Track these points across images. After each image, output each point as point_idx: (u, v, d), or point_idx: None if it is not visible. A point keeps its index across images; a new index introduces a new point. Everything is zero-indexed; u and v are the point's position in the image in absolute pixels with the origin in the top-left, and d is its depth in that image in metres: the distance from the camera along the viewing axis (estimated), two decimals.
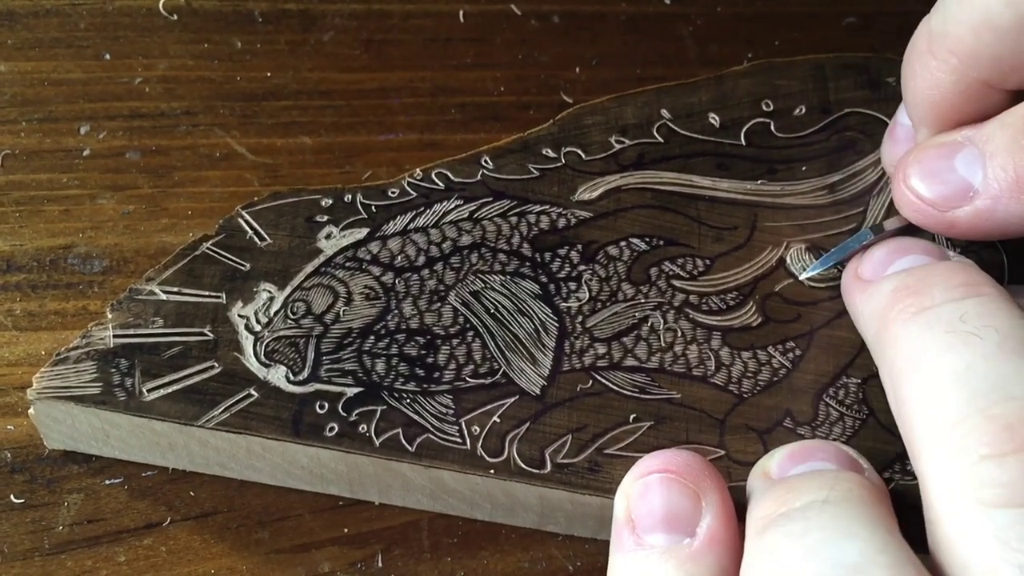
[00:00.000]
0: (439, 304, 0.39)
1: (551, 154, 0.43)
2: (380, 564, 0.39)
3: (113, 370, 0.37)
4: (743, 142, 0.44)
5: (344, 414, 0.37)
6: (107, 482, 0.39)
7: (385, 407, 0.37)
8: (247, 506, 0.39)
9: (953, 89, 0.36)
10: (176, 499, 0.39)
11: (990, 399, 0.30)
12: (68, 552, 0.38)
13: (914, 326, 0.33)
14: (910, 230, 0.39)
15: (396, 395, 0.37)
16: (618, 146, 0.43)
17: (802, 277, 0.41)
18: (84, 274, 0.42)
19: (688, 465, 0.35)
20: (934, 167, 0.37)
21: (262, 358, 0.38)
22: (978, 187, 0.35)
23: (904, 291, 0.35)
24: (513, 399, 0.38)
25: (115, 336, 0.37)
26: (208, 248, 0.39)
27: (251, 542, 0.39)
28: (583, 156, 0.43)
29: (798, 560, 0.29)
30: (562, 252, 0.41)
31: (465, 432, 0.37)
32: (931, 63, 0.37)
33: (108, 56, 0.46)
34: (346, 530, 0.39)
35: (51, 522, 0.38)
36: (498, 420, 0.37)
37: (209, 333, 0.38)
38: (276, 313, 0.38)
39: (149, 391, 0.37)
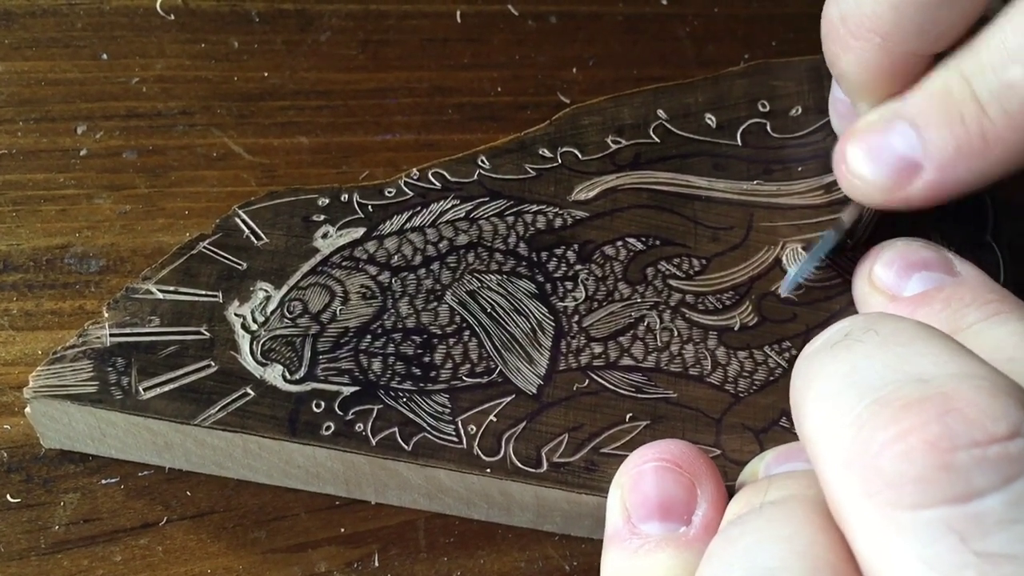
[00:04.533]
0: (435, 303, 0.39)
1: (547, 154, 0.43)
2: (376, 564, 0.39)
3: (109, 369, 0.37)
4: (739, 142, 0.44)
5: (340, 413, 0.37)
6: (103, 482, 0.39)
7: (381, 406, 0.37)
8: (243, 506, 0.39)
9: (882, 65, 0.37)
10: (172, 499, 0.39)
11: (880, 389, 0.26)
12: (64, 552, 0.38)
13: (802, 362, 0.30)
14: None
15: (392, 394, 0.37)
16: (614, 146, 0.43)
17: (782, 293, 0.41)
18: (81, 274, 0.42)
19: (683, 454, 0.34)
20: (872, 149, 0.37)
21: (258, 357, 0.38)
22: (921, 161, 0.36)
23: None
24: (510, 398, 0.38)
25: (111, 335, 0.37)
26: (205, 247, 0.39)
27: (247, 542, 0.39)
28: (580, 156, 0.43)
29: (724, 567, 0.28)
30: (559, 252, 0.41)
31: (461, 431, 0.37)
32: (854, 44, 0.37)
33: (105, 56, 0.46)
34: (343, 530, 0.39)
35: (47, 522, 0.38)
36: (494, 419, 0.38)
37: (205, 332, 0.38)
38: (273, 312, 0.38)
39: (145, 390, 0.37)
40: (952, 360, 0.27)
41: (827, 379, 0.28)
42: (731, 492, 0.35)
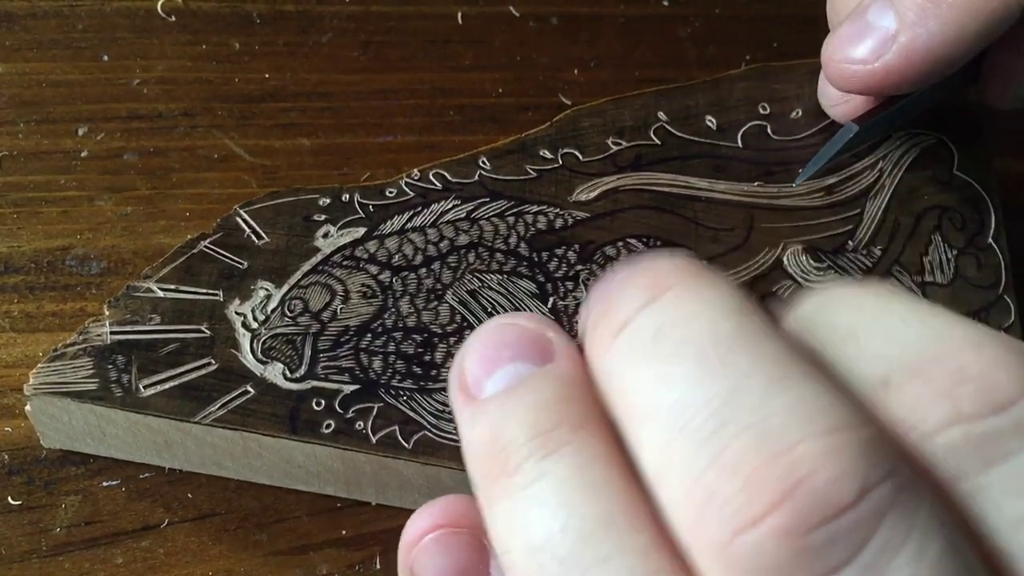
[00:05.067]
0: (436, 303, 0.39)
1: (548, 155, 0.43)
2: (378, 566, 0.39)
3: (110, 366, 0.37)
4: (740, 144, 0.44)
5: (341, 411, 0.37)
6: (105, 484, 0.39)
7: (382, 404, 0.37)
8: (245, 508, 0.39)
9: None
10: (174, 501, 0.39)
11: (716, 431, 0.23)
12: (66, 554, 0.38)
13: (611, 353, 0.25)
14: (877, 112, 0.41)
15: (393, 392, 0.37)
16: (615, 148, 0.43)
17: (796, 183, 0.42)
18: (82, 276, 0.42)
19: (454, 510, 0.30)
20: (851, 33, 0.39)
21: (259, 355, 0.38)
22: (895, 27, 0.38)
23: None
24: None
25: (112, 332, 0.37)
26: (206, 246, 0.39)
27: (249, 544, 0.39)
28: (580, 157, 0.43)
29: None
30: (559, 252, 0.41)
31: None
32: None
33: (106, 57, 0.46)
34: (344, 532, 0.39)
35: (49, 524, 0.38)
36: None
37: (206, 330, 0.38)
38: (273, 311, 0.38)
39: (146, 387, 0.37)
40: (776, 381, 0.23)
41: (647, 386, 0.24)
42: None
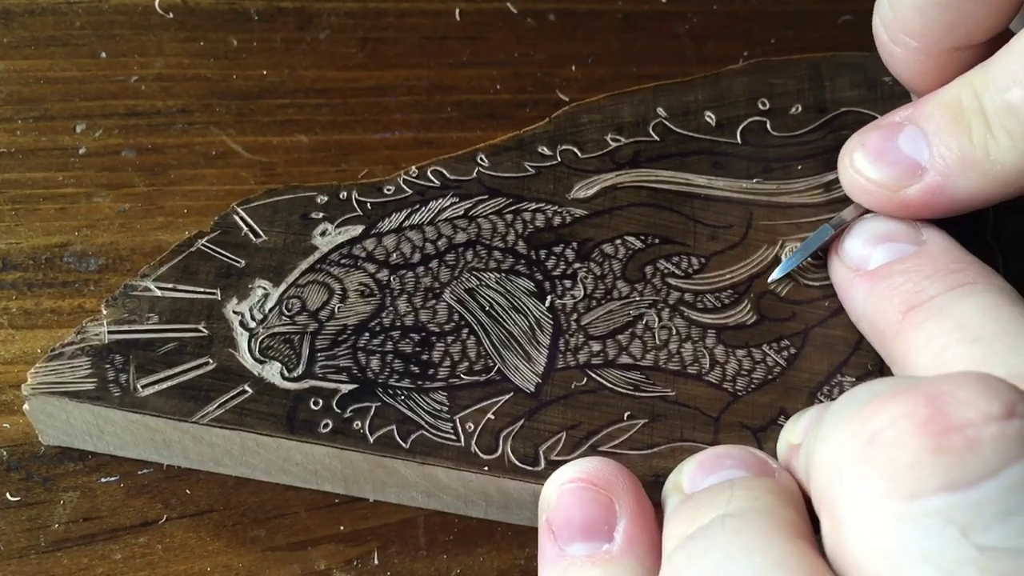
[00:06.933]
0: (434, 301, 0.39)
1: (547, 152, 0.43)
2: (376, 561, 0.39)
3: (108, 366, 0.37)
4: (739, 140, 0.44)
5: (338, 410, 0.37)
6: (103, 480, 0.39)
7: (379, 404, 0.37)
8: (243, 504, 0.39)
9: (927, 65, 0.37)
10: (172, 497, 0.39)
11: (873, 394, 0.27)
12: (64, 550, 0.38)
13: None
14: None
15: (391, 392, 0.37)
16: (614, 144, 0.43)
17: (770, 280, 0.41)
18: (80, 272, 0.42)
19: (599, 472, 0.35)
20: (879, 149, 0.37)
21: (257, 354, 0.38)
22: (925, 165, 0.36)
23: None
24: (508, 396, 0.38)
25: (110, 332, 0.37)
26: (203, 244, 0.39)
27: (247, 540, 0.39)
28: (579, 154, 0.43)
29: None
30: (557, 250, 0.41)
31: (459, 429, 0.37)
32: (896, 51, 0.38)
33: (104, 54, 0.46)
34: (342, 527, 0.39)
35: (47, 520, 0.38)
36: (492, 417, 0.37)
37: (204, 329, 0.38)
38: (271, 310, 0.38)
39: (143, 387, 0.37)
40: None
41: (832, 426, 0.28)
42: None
